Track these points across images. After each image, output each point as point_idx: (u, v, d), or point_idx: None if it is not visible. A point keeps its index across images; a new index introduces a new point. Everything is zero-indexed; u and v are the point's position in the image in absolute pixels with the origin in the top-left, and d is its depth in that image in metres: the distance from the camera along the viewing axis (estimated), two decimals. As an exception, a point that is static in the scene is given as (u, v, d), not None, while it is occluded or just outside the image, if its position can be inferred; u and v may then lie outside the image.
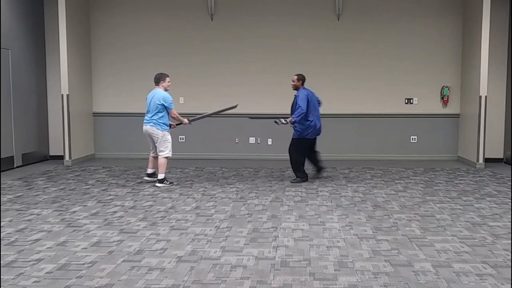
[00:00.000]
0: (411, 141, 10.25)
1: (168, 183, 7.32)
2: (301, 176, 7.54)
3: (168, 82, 7.36)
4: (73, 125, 9.51)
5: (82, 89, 9.98)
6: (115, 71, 10.36)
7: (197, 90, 10.24)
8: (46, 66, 10.02)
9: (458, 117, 10.12)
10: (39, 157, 9.82)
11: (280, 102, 10.12)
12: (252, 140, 10.37)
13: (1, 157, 8.41)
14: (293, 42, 10.12)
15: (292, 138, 7.48)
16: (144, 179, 7.63)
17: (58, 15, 9.15)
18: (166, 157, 7.25)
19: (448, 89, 10.02)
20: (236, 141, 10.36)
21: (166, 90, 7.33)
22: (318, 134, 7.56)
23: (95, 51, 10.35)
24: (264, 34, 10.12)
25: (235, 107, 7.95)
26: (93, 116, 10.45)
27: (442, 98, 10.09)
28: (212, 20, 10.15)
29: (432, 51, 10.04)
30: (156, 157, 7.41)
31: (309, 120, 7.29)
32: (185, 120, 7.52)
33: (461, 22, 9.95)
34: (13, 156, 8.88)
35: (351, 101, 10.01)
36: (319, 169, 7.87)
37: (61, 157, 9.53)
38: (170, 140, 7.33)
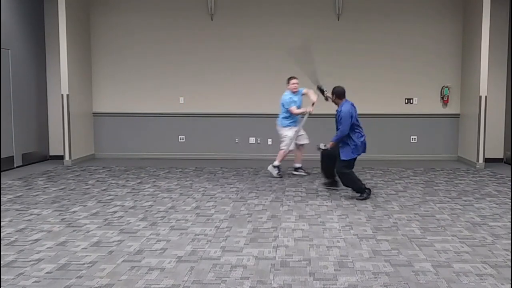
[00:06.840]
0: (411, 141, 10.25)
1: (277, 172, 7.98)
2: (362, 192, 6.40)
3: (293, 83, 7.94)
4: (73, 125, 9.51)
5: (82, 89, 9.97)
6: (115, 71, 10.36)
7: (197, 90, 10.24)
8: (46, 66, 10.01)
9: (458, 117, 10.12)
10: (39, 157, 9.81)
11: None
12: (252, 140, 10.36)
13: (1, 157, 8.41)
14: (293, 42, 10.09)
15: (341, 160, 6.39)
16: (292, 173, 8.29)
17: (58, 15, 9.15)
18: (286, 150, 7.92)
19: (448, 89, 10.01)
20: (236, 141, 10.35)
21: (293, 92, 7.93)
22: (364, 151, 6.57)
23: (95, 51, 10.34)
24: (264, 34, 10.12)
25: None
26: (93, 116, 10.44)
27: (442, 98, 10.08)
28: (212, 20, 10.14)
29: (432, 51, 10.03)
30: (297, 151, 8.16)
31: (354, 139, 6.38)
32: (308, 109, 7.80)
33: (461, 22, 9.95)
34: (13, 156, 8.88)
35: (351, 101, 9.97)
36: (333, 181, 6.95)
37: (61, 157, 9.52)
38: (289, 136, 7.93)
